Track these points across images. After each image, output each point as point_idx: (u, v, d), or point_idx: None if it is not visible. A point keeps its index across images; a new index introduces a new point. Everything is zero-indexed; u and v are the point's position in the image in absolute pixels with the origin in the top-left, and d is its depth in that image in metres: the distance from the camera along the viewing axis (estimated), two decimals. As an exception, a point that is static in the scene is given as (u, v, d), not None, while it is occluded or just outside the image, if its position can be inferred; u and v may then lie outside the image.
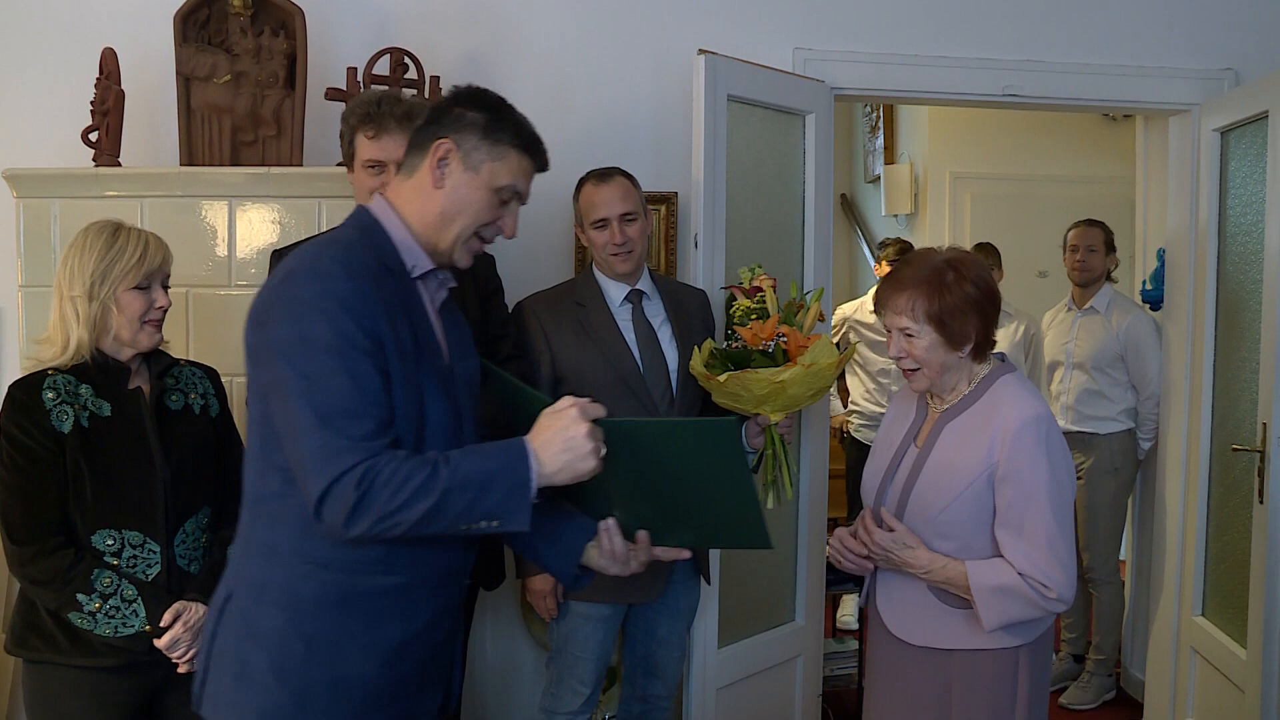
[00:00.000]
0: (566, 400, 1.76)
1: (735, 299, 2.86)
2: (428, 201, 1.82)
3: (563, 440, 1.71)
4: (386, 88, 3.10)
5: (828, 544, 2.27)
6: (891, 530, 2.20)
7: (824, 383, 2.73)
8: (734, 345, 2.75)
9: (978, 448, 2.16)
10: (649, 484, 1.85)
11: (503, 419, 2.00)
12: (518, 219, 1.93)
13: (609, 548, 1.94)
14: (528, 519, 1.70)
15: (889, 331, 2.25)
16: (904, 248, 4.94)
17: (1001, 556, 2.15)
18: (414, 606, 1.82)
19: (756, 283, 2.83)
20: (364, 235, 1.82)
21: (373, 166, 2.61)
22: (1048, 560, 2.10)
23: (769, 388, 2.65)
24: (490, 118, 1.84)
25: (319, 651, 1.76)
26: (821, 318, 3.15)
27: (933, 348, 2.18)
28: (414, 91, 3.30)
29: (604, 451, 1.73)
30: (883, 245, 5.24)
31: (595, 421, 1.74)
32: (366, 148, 2.62)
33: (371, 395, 1.67)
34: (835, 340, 5.01)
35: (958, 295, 2.15)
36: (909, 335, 2.19)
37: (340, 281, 1.68)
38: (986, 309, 2.19)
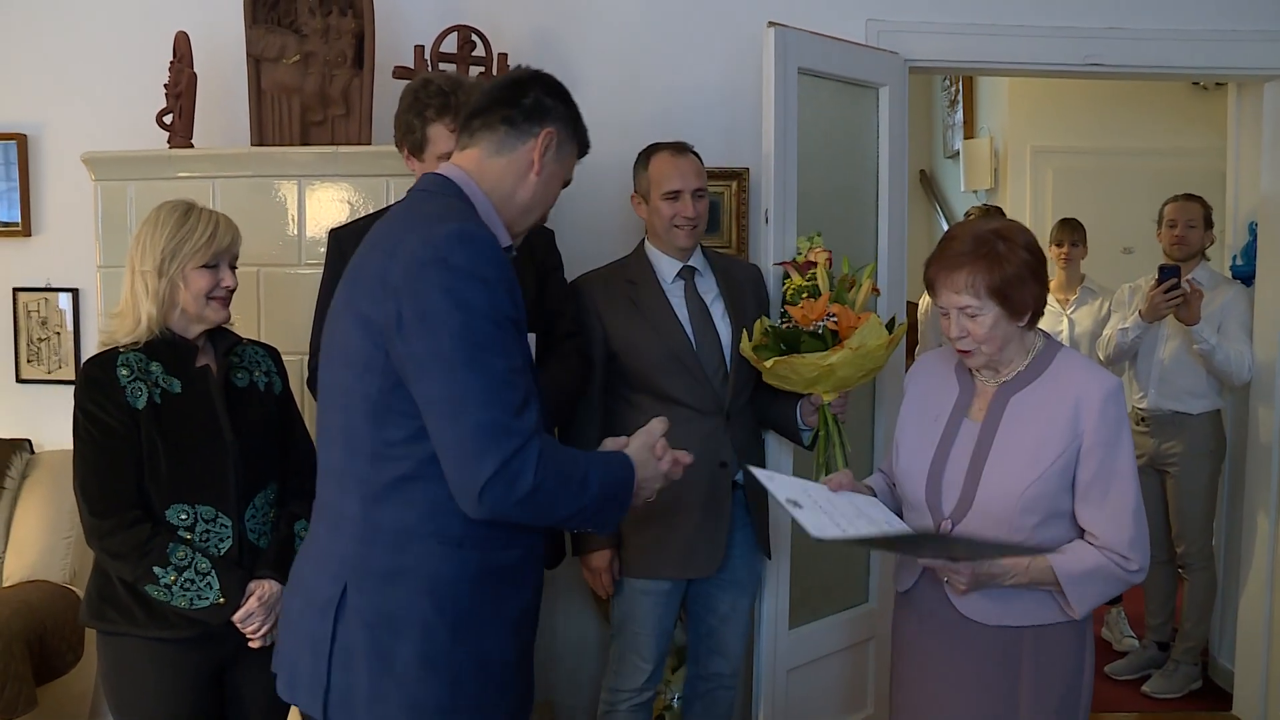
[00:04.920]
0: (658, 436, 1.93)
1: (789, 276, 2.82)
2: (520, 185, 1.89)
3: (655, 479, 1.92)
4: (450, 73, 3.06)
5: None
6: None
7: (875, 364, 2.69)
8: (785, 325, 2.71)
9: (1059, 420, 2.10)
10: None
11: None
12: None
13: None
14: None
15: (944, 312, 2.17)
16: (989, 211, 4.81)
17: (1078, 537, 2.13)
18: (527, 578, 1.88)
19: (811, 257, 2.79)
20: (463, 202, 1.83)
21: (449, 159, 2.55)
22: (1132, 530, 2.08)
23: (817, 371, 2.63)
24: (572, 112, 1.95)
25: (463, 632, 1.75)
26: (877, 291, 3.09)
27: (995, 323, 2.11)
28: (481, 70, 3.29)
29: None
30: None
31: None
32: (446, 140, 2.47)
33: (521, 369, 1.71)
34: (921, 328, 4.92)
35: (1016, 263, 2.10)
36: (971, 314, 2.11)
37: (492, 248, 1.70)
38: (1041, 274, 2.14)
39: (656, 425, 1.94)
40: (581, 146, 1.98)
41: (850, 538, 2.08)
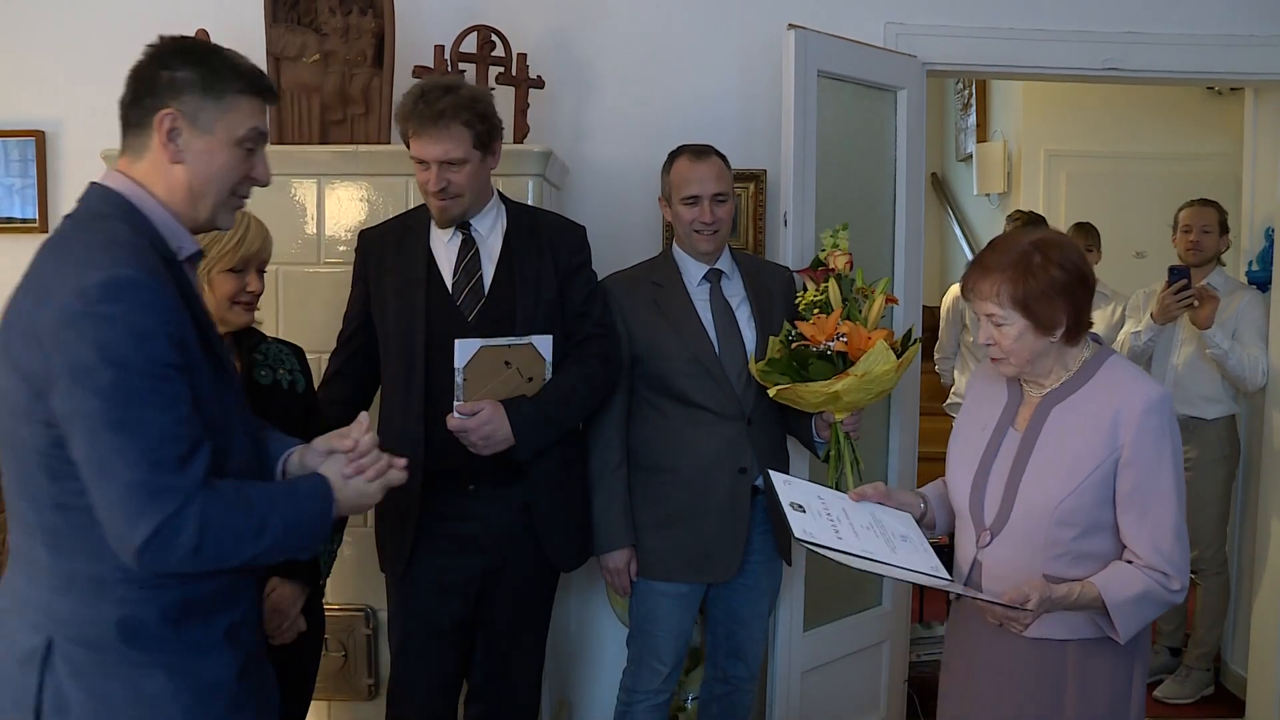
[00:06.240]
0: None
1: (804, 286, 2.82)
2: (170, 180, 1.68)
3: (365, 495, 1.80)
4: (446, 77, 3.01)
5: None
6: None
7: (883, 387, 2.67)
8: (795, 344, 2.71)
9: (1097, 431, 2.07)
10: None
11: None
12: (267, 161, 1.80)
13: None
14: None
15: (978, 318, 2.17)
16: (1032, 219, 4.75)
17: (1118, 558, 2.09)
18: (238, 597, 1.76)
19: (832, 260, 2.78)
20: (129, 224, 1.64)
21: (419, 163, 2.57)
22: (1173, 546, 2.04)
23: (822, 397, 2.62)
24: (205, 72, 1.68)
25: (178, 667, 1.65)
26: (894, 301, 3.08)
27: (1021, 335, 2.09)
28: (500, 70, 3.29)
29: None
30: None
31: None
32: (410, 146, 2.58)
33: (186, 417, 1.57)
34: (943, 324, 4.90)
35: (1044, 279, 2.06)
36: (997, 323, 2.11)
37: (149, 294, 1.55)
38: (1076, 292, 2.09)
39: (353, 437, 1.81)
40: (244, 84, 1.71)
41: (828, 548, 2.06)
